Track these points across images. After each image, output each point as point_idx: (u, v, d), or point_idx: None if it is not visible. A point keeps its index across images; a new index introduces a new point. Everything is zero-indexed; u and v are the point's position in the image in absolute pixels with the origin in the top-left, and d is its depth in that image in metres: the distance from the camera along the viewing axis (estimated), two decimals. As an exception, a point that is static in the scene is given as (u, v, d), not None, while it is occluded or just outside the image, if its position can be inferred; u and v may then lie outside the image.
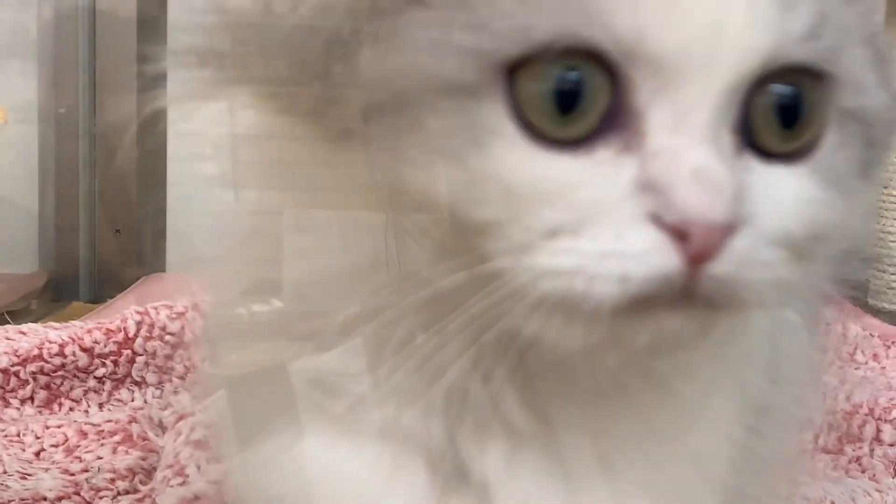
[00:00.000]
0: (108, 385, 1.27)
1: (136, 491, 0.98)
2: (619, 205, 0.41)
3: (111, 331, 1.28)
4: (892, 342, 1.56)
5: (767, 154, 0.44)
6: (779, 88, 0.44)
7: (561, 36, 0.41)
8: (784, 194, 0.44)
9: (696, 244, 0.41)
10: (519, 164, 0.41)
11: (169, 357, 1.31)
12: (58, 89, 1.99)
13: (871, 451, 1.20)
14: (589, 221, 0.41)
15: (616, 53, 0.41)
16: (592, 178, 0.42)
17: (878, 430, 1.22)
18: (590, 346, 0.44)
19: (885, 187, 1.71)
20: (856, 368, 1.54)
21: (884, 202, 1.70)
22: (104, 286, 2.01)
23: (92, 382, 1.26)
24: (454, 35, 0.41)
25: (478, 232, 0.42)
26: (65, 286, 2.00)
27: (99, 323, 1.29)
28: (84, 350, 1.26)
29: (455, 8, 0.41)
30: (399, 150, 0.42)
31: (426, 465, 0.51)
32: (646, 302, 0.42)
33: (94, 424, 1.13)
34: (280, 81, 0.45)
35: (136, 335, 1.29)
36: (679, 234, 0.41)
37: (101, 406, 1.25)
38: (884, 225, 1.72)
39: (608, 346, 0.44)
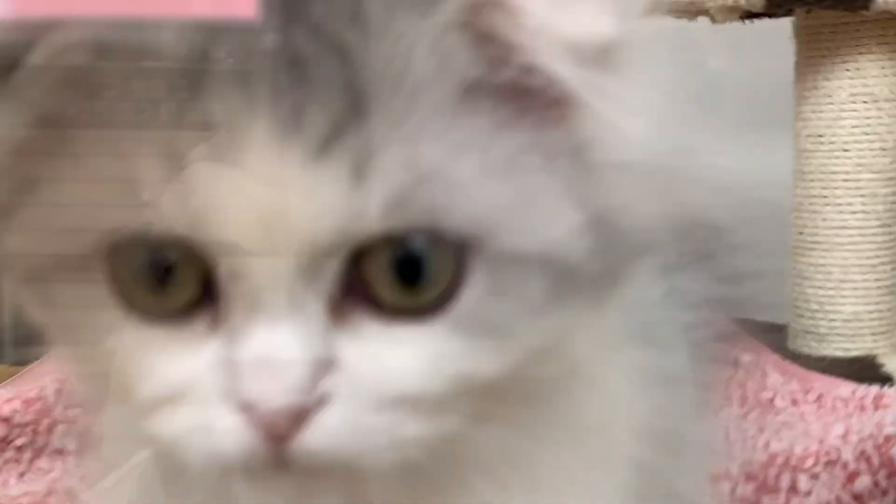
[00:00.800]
0: (28, 454, 1.26)
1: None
2: (205, 382, 0.42)
3: (30, 399, 1.27)
4: (811, 388, 1.57)
5: (394, 311, 0.43)
6: (385, 253, 0.42)
7: (143, 227, 0.42)
8: (404, 354, 0.42)
9: (268, 427, 0.41)
10: (119, 335, 0.44)
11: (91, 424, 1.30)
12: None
13: (787, 501, 1.22)
14: (182, 396, 0.42)
15: (194, 239, 0.41)
16: (184, 352, 0.42)
17: (794, 481, 1.23)
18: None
19: (801, 233, 1.73)
20: (776, 415, 1.55)
21: (797, 247, 1.73)
22: (28, 348, 1.99)
23: (11, 453, 1.26)
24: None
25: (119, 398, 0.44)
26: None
27: (18, 391, 1.28)
28: (2, 420, 1.25)
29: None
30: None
31: None
32: (238, 470, 0.43)
33: (12, 497, 1.12)
34: None
35: (55, 403, 1.28)
36: (248, 410, 0.41)
37: (21, 475, 1.25)
38: (800, 271, 1.74)
39: None
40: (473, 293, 0.43)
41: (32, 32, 0.39)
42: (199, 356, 0.42)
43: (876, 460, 1.20)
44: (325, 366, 0.41)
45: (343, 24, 0.40)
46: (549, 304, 0.44)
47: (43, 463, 1.27)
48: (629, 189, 0.44)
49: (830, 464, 1.24)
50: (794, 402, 1.56)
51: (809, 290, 1.74)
